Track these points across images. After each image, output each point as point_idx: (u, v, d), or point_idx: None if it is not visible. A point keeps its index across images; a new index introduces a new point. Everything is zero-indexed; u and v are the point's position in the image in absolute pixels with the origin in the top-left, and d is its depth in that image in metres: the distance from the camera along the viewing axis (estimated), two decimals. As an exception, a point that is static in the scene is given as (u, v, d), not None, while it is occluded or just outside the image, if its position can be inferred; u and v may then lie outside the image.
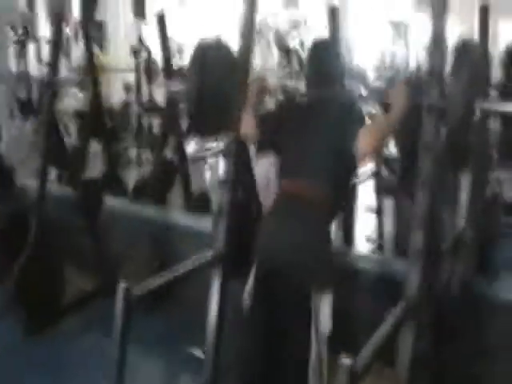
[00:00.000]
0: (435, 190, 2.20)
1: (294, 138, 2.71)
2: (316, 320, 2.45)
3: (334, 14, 3.77)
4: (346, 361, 1.70)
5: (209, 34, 10.68)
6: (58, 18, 4.02)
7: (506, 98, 4.20)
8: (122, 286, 2.26)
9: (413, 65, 10.24)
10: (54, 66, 3.82)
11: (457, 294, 2.49)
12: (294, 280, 2.45)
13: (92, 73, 5.09)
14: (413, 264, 2.22)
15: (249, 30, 2.88)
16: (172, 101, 4.36)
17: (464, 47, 2.30)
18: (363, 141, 2.45)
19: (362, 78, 4.90)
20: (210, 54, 3.12)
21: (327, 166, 2.56)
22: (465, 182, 3.01)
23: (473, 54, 2.29)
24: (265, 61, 7.60)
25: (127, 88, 7.88)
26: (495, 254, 3.53)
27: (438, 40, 2.29)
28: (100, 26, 8.97)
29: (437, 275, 2.45)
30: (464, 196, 2.94)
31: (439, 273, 2.48)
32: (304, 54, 11.09)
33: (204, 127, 3.31)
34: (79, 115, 6.82)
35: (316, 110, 2.73)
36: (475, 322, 2.75)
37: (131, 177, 6.17)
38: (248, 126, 2.84)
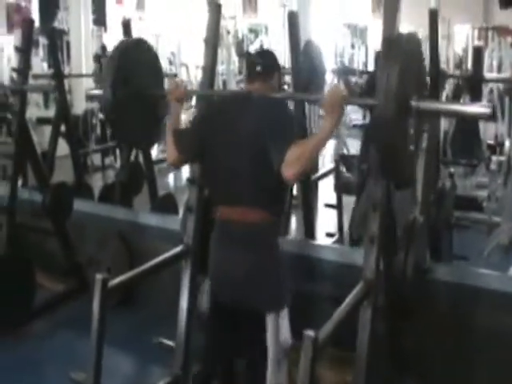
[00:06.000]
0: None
1: (217, 155, 2.47)
2: (274, 337, 2.42)
3: (293, 18, 3.94)
4: (309, 333, 1.86)
5: (168, 39, 10.73)
6: (28, 24, 4.03)
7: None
8: (98, 277, 2.38)
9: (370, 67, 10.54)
10: (23, 72, 3.89)
11: (410, 277, 2.65)
12: (247, 306, 2.45)
13: (57, 80, 5.19)
14: (369, 248, 2.39)
15: (214, 36, 2.92)
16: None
17: (393, 42, 2.15)
18: (288, 168, 2.15)
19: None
20: (127, 58, 2.94)
21: (259, 186, 2.36)
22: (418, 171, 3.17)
23: (403, 50, 2.12)
24: (225, 66, 7.72)
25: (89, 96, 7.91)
26: (447, 242, 3.75)
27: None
28: (61, 34, 8.98)
29: (392, 259, 2.62)
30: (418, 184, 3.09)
31: (394, 257, 2.64)
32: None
33: (125, 136, 3.15)
34: (43, 122, 6.89)
35: (237, 114, 2.44)
36: (426, 303, 2.93)
37: (97, 182, 6.27)
38: (170, 149, 2.61)
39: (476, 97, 5.16)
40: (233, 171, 2.40)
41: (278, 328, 2.41)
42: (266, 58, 2.59)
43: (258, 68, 2.49)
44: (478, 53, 5.99)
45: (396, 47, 2.10)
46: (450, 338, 3.03)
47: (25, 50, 3.86)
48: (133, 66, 2.94)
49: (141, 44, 3.13)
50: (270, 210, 2.42)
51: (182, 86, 2.75)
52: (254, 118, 2.36)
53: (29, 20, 4.23)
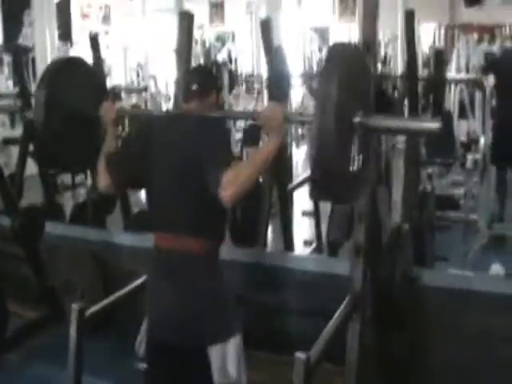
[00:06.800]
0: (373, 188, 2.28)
1: (151, 179, 2.33)
2: (221, 372, 2.22)
3: (266, 25, 3.84)
4: (300, 355, 1.77)
5: (135, 51, 10.67)
6: None
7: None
8: (74, 307, 2.27)
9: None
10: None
11: (397, 286, 2.59)
12: (187, 342, 2.25)
13: (23, 99, 5.05)
14: (356, 260, 2.31)
15: (186, 47, 2.86)
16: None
17: (334, 52, 1.96)
18: (225, 190, 2.02)
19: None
20: (60, 79, 2.74)
21: (196, 211, 2.23)
22: (397, 178, 3.13)
23: (347, 61, 1.94)
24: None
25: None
26: (430, 245, 3.71)
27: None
28: (26, 51, 8.83)
29: (378, 269, 2.55)
30: (398, 191, 3.04)
31: (380, 267, 2.57)
32: (232, 67, 11.25)
33: (56, 160, 3.06)
34: (10, 142, 6.73)
35: (172, 136, 2.30)
36: (415, 310, 2.86)
37: (68, 201, 6.12)
38: (101, 174, 2.43)
39: (439, 99, 5.15)
40: (167, 196, 2.28)
41: (225, 361, 2.23)
42: (202, 75, 2.46)
43: (194, 87, 2.35)
44: (440, 55, 5.98)
45: (336, 57, 1.93)
46: (442, 344, 2.96)
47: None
48: (66, 88, 2.74)
49: (75, 62, 2.94)
50: (209, 237, 2.27)
51: (114, 108, 2.62)
52: (189, 139, 2.22)
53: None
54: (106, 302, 2.53)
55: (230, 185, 2.01)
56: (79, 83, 2.80)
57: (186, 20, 2.83)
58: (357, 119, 1.96)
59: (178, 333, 2.24)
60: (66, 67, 2.83)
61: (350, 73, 1.92)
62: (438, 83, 4.85)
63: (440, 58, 5.69)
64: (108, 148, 2.48)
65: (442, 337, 2.97)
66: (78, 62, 2.95)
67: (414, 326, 2.82)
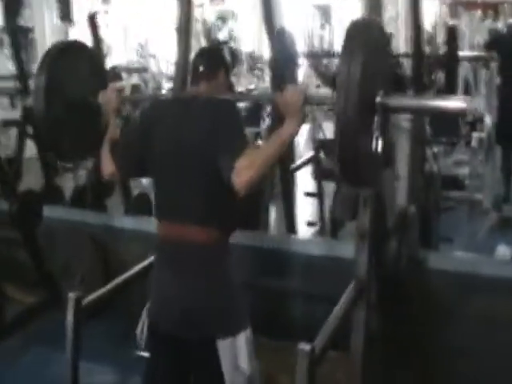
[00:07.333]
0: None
1: (158, 165, 2.24)
2: (232, 365, 2.14)
3: (268, 4, 3.75)
4: (304, 346, 1.70)
5: (136, 31, 10.56)
6: None
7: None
8: (71, 296, 2.21)
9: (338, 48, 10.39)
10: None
11: (403, 269, 2.52)
12: (195, 334, 2.16)
13: (22, 81, 4.96)
14: (361, 245, 2.24)
15: (186, 27, 2.78)
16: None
17: (356, 29, 1.87)
18: (239, 176, 1.93)
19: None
20: (59, 64, 2.62)
21: (207, 199, 2.13)
22: (402, 158, 3.04)
23: (367, 38, 1.86)
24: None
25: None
26: (436, 226, 3.65)
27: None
28: (26, 32, 8.70)
29: (385, 254, 2.48)
30: (403, 174, 2.96)
31: (387, 251, 2.51)
32: (234, 46, 11.12)
33: (58, 150, 2.82)
34: (9, 124, 6.64)
35: (180, 120, 2.19)
36: (421, 294, 2.80)
37: (69, 183, 6.05)
38: (105, 162, 2.36)
39: (452, 77, 5.06)
40: (176, 183, 2.17)
41: (236, 354, 2.14)
42: (209, 56, 2.37)
43: (201, 68, 2.26)
44: (453, 32, 5.84)
45: (358, 35, 1.85)
46: (448, 328, 2.90)
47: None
48: (66, 73, 2.62)
49: (76, 47, 2.82)
50: (220, 228, 2.16)
51: (115, 94, 2.49)
52: (199, 123, 2.13)
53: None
54: (103, 289, 2.46)
55: (245, 170, 1.91)
56: (79, 68, 2.69)
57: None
58: (378, 99, 1.89)
59: (183, 324, 2.15)
60: (66, 51, 2.70)
61: (371, 51, 1.85)
62: (450, 61, 4.74)
63: (452, 35, 5.57)
64: (111, 135, 2.39)
65: (448, 321, 2.91)
66: (78, 46, 2.84)
67: (420, 310, 2.76)
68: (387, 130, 2.06)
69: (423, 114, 3.03)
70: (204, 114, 2.13)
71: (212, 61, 2.31)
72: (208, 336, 2.14)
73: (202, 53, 2.49)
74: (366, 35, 1.88)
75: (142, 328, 2.34)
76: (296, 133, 1.97)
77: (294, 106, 1.94)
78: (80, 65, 2.71)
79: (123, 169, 2.34)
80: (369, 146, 1.87)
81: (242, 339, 2.15)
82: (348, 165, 1.85)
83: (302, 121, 1.97)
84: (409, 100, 2.06)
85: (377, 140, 1.87)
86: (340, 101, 1.76)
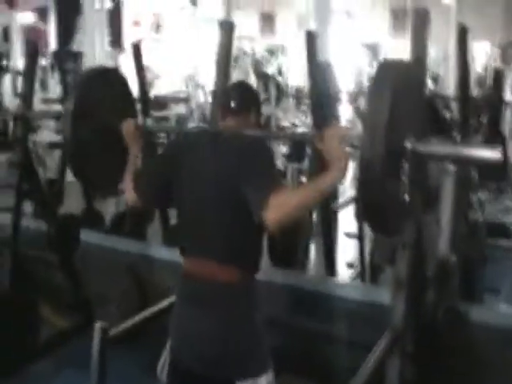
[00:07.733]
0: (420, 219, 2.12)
1: (183, 200, 2.17)
2: None
3: (311, 37, 3.68)
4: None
5: (185, 63, 10.76)
6: (32, 48, 3.83)
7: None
8: (98, 326, 2.17)
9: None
10: (26, 97, 3.71)
11: (441, 321, 2.42)
12: (215, 373, 2.10)
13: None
14: (397, 293, 2.16)
15: (225, 58, 2.77)
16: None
17: (384, 70, 1.79)
18: (272, 212, 1.85)
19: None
20: (91, 90, 2.61)
21: (232, 236, 2.07)
22: (446, 202, 2.94)
23: (399, 79, 1.79)
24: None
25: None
26: (481, 276, 3.51)
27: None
28: (76, 57, 8.92)
29: (422, 303, 2.39)
30: (446, 220, 2.86)
31: (424, 300, 2.41)
32: (282, 80, 11.17)
33: (89, 179, 2.78)
34: (54, 147, 6.76)
35: (207, 153, 2.13)
36: (461, 348, 2.68)
37: (110, 208, 6.10)
38: (128, 189, 2.33)
39: (495, 121, 4.95)
40: (200, 218, 2.11)
41: None
42: (242, 92, 2.31)
43: (233, 104, 2.22)
44: (499, 75, 5.74)
45: (387, 75, 1.77)
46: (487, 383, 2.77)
47: (28, 75, 3.67)
48: (96, 100, 2.61)
49: (109, 74, 2.82)
50: (244, 266, 2.10)
51: (134, 126, 2.51)
52: (227, 157, 2.06)
53: (33, 43, 4.05)
54: (131, 321, 2.42)
55: (278, 207, 1.84)
56: (110, 95, 2.69)
57: (227, 29, 2.71)
58: (408, 144, 1.80)
59: (203, 363, 2.10)
60: (98, 78, 2.71)
61: (401, 92, 1.76)
62: (495, 104, 4.64)
63: (499, 78, 5.47)
64: (132, 165, 2.39)
65: (489, 379, 2.77)
66: (111, 73, 2.85)
67: (458, 365, 2.63)
68: (425, 175, 1.99)
69: (454, 162, 2.89)
70: (232, 148, 2.09)
71: (245, 98, 2.27)
72: (228, 377, 2.08)
73: (236, 89, 2.44)
74: (395, 76, 1.80)
75: (163, 363, 2.29)
76: (339, 180, 1.87)
77: (336, 152, 1.83)
78: (111, 92, 2.70)
79: (144, 197, 2.29)
80: (395, 192, 1.79)
81: (263, 382, 2.09)
82: (371, 211, 1.77)
83: (346, 167, 1.83)
84: (440, 147, 1.97)
85: (406, 187, 1.79)
86: (365, 145, 1.69)
